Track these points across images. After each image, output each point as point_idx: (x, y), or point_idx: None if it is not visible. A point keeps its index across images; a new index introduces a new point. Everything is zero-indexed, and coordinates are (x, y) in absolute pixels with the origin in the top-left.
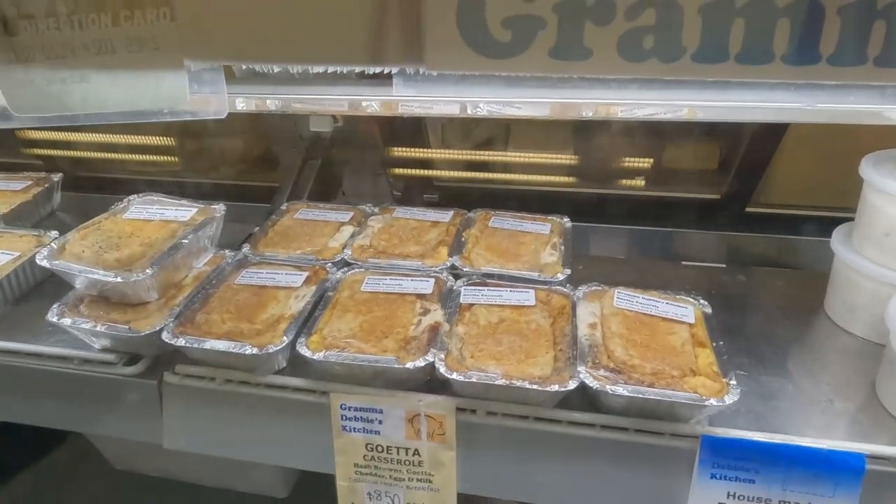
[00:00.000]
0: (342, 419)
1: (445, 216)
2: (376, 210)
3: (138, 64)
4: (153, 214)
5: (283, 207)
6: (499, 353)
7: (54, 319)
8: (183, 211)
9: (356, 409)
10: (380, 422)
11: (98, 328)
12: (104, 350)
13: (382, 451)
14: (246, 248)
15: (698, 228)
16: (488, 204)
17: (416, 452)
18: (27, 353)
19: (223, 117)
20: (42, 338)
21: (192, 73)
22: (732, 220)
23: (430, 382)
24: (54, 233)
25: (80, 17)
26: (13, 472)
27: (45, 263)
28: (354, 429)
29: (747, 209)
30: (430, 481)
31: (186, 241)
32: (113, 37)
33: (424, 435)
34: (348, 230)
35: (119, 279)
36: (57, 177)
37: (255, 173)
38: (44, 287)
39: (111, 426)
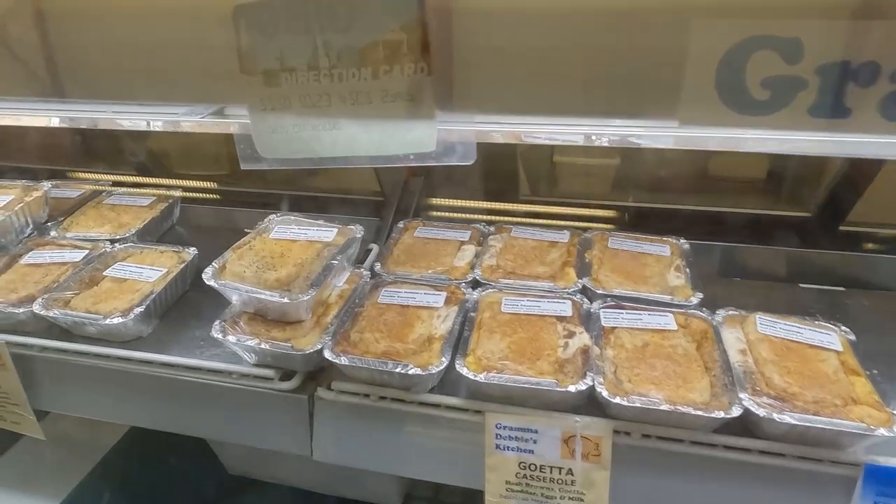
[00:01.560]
0: (496, 437)
1: (563, 236)
2: (492, 229)
3: (391, 113)
4: (297, 234)
5: (401, 225)
6: (655, 378)
7: (218, 336)
8: (325, 231)
9: (511, 429)
10: (534, 441)
11: (262, 346)
12: (259, 365)
13: (535, 469)
14: (378, 267)
15: (806, 247)
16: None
17: (570, 472)
18: (186, 367)
19: (469, 163)
20: (194, 351)
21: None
22: (841, 241)
23: (580, 403)
24: (192, 249)
25: (341, 71)
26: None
27: (212, 283)
28: (508, 447)
29: (854, 229)
30: (582, 500)
31: (336, 262)
32: (370, 88)
33: (579, 455)
34: (470, 249)
35: (285, 300)
36: (177, 193)
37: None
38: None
39: (261, 438)
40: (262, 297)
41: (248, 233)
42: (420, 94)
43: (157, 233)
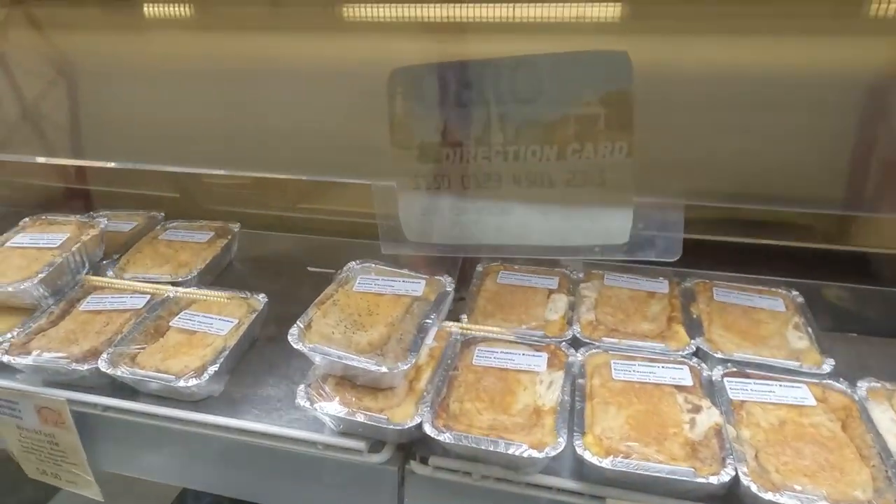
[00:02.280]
0: None
1: (661, 285)
2: (581, 275)
3: (577, 198)
4: (383, 288)
5: (480, 269)
6: (806, 469)
7: (305, 405)
8: (412, 284)
9: None
10: None
11: (356, 418)
12: (346, 435)
13: None
14: (464, 320)
15: None
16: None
17: None
18: (264, 434)
19: (672, 260)
20: (271, 414)
21: (639, 211)
22: None
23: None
24: (262, 297)
25: (518, 148)
26: None
27: (300, 346)
28: None
29: None
30: None
31: (430, 321)
32: (553, 169)
33: None
34: (561, 299)
35: (383, 369)
36: (236, 227)
37: None
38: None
39: None
40: (358, 365)
41: (312, 270)
42: (615, 177)
43: (216, 271)
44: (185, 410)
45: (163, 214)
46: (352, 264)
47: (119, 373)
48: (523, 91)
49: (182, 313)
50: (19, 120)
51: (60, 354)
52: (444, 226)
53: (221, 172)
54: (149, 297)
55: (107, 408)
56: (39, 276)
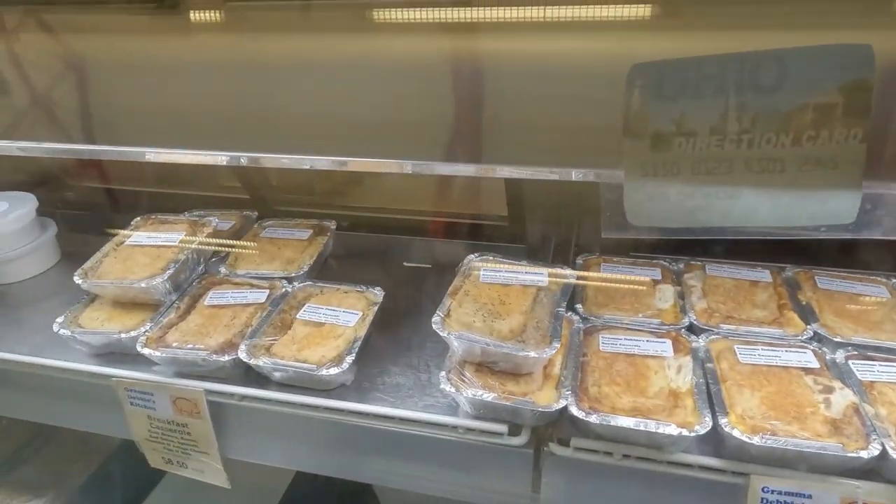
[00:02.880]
0: (762, 502)
1: (763, 275)
2: (681, 266)
3: (807, 182)
4: (509, 279)
5: (581, 262)
6: None
7: (450, 389)
8: (536, 276)
9: (781, 493)
10: None
11: (501, 402)
12: (483, 418)
13: None
14: (581, 309)
15: None
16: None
17: None
18: (403, 419)
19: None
20: (406, 401)
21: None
22: None
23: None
24: (378, 289)
25: (752, 136)
26: None
27: (443, 333)
28: None
29: None
30: None
31: (561, 310)
32: (786, 155)
33: None
34: (668, 289)
35: (534, 354)
36: (332, 225)
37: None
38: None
39: (478, 493)
40: (508, 351)
41: (407, 266)
42: (847, 161)
43: (318, 267)
44: (322, 398)
45: (256, 213)
46: (471, 257)
47: (260, 363)
48: (765, 83)
49: (306, 306)
50: (77, 116)
51: (198, 346)
52: (668, 210)
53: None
54: (267, 291)
55: (243, 397)
56: (167, 272)
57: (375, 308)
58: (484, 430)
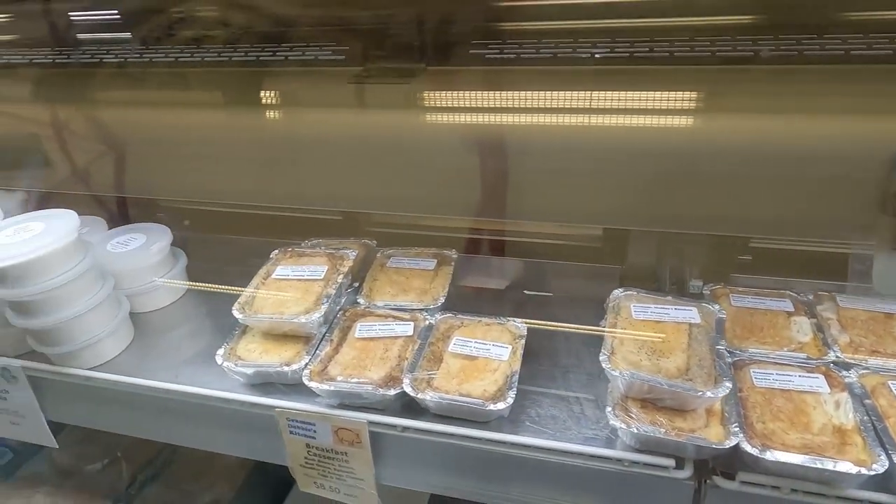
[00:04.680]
0: None
1: (891, 307)
2: (810, 297)
3: None
4: (660, 315)
5: (708, 292)
6: None
7: (620, 425)
8: (685, 311)
9: None
10: None
11: (671, 438)
12: (645, 452)
13: None
14: (723, 343)
15: None
16: None
17: None
18: (563, 452)
19: None
20: (565, 433)
21: None
22: None
23: None
24: (521, 322)
25: None
26: None
27: (615, 372)
28: None
29: None
30: None
31: (721, 347)
32: None
33: None
34: (804, 322)
35: (709, 395)
36: (454, 254)
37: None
38: None
39: None
40: (684, 392)
41: (530, 295)
42: None
43: (450, 298)
44: (481, 430)
45: (375, 242)
46: (617, 293)
47: (427, 397)
48: None
49: (454, 339)
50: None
51: (363, 380)
52: None
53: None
54: (412, 324)
55: (405, 428)
56: (322, 307)
57: (522, 342)
58: (649, 463)
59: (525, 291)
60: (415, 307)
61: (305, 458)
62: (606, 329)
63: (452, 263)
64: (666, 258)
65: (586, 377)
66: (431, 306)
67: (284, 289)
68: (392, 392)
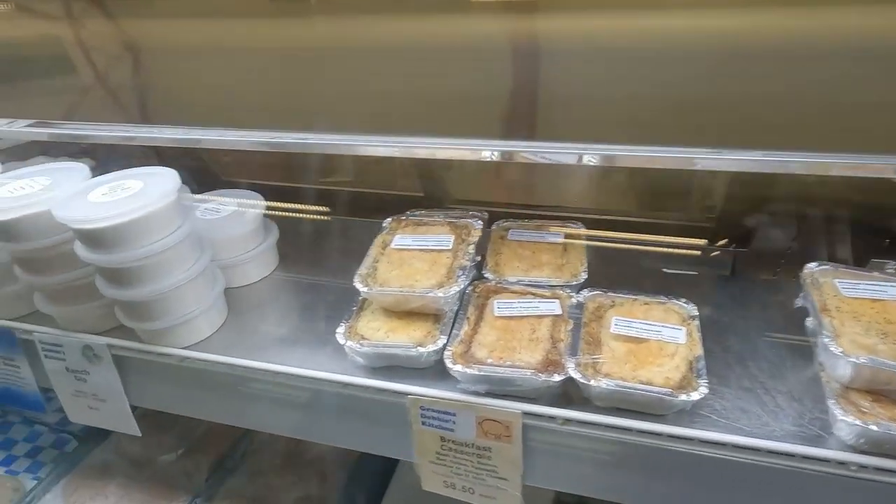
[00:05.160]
0: None
1: None
2: None
3: None
4: (872, 292)
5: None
6: None
7: (853, 421)
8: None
9: None
10: None
11: None
12: (872, 453)
13: None
14: None
15: None
16: None
17: None
18: (770, 452)
19: None
20: (763, 429)
21: None
22: None
23: None
24: (688, 303)
25: None
26: None
27: (851, 359)
28: None
29: None
30: None
31: None
32: None
33: None
34: None
35: None
36: (580, 228)
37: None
38: None
39: None
40: None
41: (667, 272)
42: None
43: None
44: (669, 425)
45: (486, 214)
46: (811, 266)
47: (603, 385)
48: None
49: (613, 320)
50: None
51: (518, 364)
52: None
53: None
54: (557, 301)
55: (567, 420)
56: (460, 280)
57: (695, 323)
58: (886, 468)
59: (664, 269)
60: (553, 283)
61: (437, 453)
62: (818, 309)
63: (582, 237)
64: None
65: (768, 365)
66: (573, 282)
67: (408, 260)
68: (556, 378)
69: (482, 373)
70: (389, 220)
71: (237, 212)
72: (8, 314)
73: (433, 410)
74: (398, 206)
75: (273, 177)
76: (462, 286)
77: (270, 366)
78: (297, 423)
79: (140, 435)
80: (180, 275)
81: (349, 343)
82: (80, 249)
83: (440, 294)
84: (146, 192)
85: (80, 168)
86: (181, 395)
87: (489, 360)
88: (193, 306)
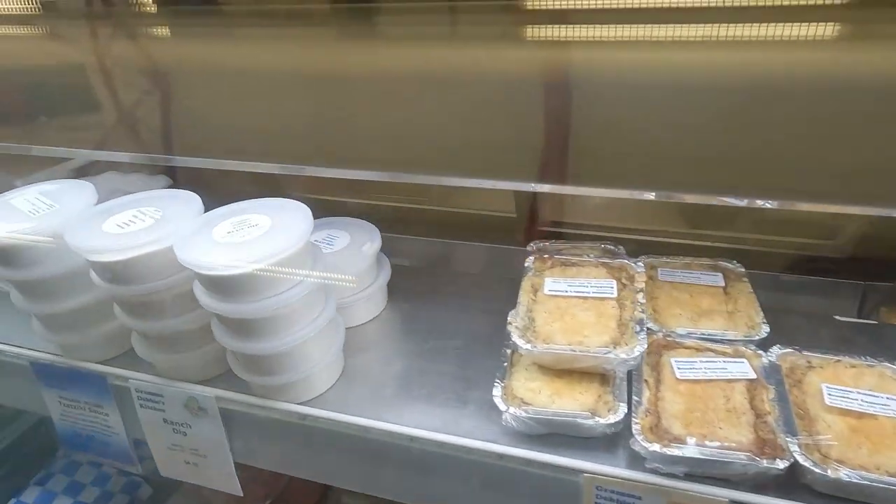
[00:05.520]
0: None
1: None
2: None
3: None
4: None
5: None
6: None
7: None
8: None
9: None
10: None
11: None
12: None
13: None
14: None
15: None
16: None
17: None
18: None
19: None
20: None
21: None
22: None
23: None
24: None
25: None
26: None
27: None
28: None
29: None
30: None
31: None
32: None
33: None
34: None
35: None
36: (737, 266)
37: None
38: None
39: None
40: None
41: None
42: None
43: None
44: None
45: (622, 248)
46: None
47: (843, 475)
48: None
49: (825, 388)
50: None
51: (728, 444)
52: None
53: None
54: (745, 361)
55: None
56: (639, 338)
57: None
58: None
59: (836, 317)
60: (732, 338)
61: None
62: None
63: (745, 279)
64: None
65: None
66: (754, 336)
67: (568, 310)
68: (780, 465)
69: (684, 454)
70: (532, 259)
71: (352, 245)
72: (96, 356)
73: (613, 492)
74: (493, 227)
75: (336, 191)
76: (644, 344)
77: (408, 429)
78: (434, 493)
79: (242, 495)
80: (310, 325)
81: (511, 409)
82: (203, 296)
83: (622, 355)
84: (278, 231)
85: (189, 197)
86: (296, 455)
87: (690, 439)
88: (317, 358)
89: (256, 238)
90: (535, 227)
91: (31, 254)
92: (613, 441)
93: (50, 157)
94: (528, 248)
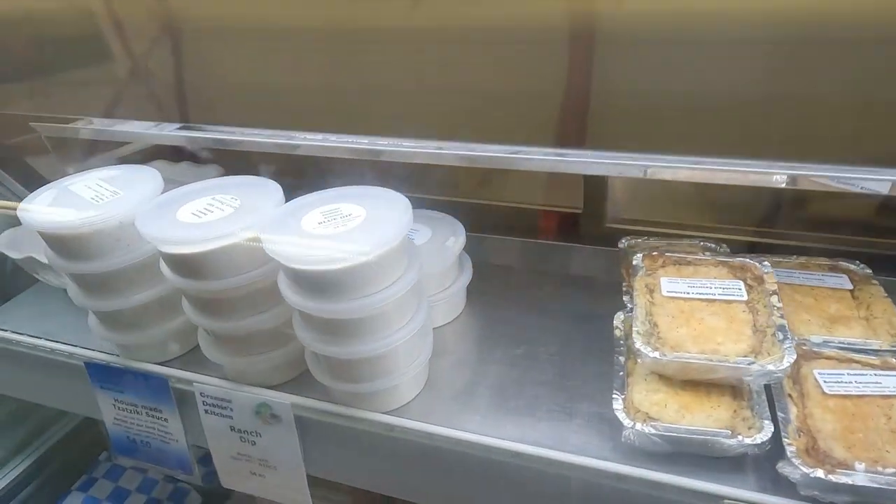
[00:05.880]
0: None
1: None
2: None
3: None
4: None
5: None
6: None
7: None
8: None
9: None
10: None
11: None
12: None
13: None
14: None
15: None
16: None
17: None
18: None
19: None
20: None
21: None
22: None
23: None
24: None
25: None
26: None
27: None
28: None
29: None
30: None
31: None
32: None
33: None
34: None
35: None
36: (862, 267)
37: None
38: None
39: None
40: None
41: None
42: None
43: None
44: None
45: (724, 247)
46: None
47: None
48: None
49: None
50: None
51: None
52: None
53: None
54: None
55: None
56: (784, 347)
57: None
58: None
59: None
60: (878, 348)
61: None
62: None
63: (875, 281)
64: None
65: None
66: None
67: (693, 314)
68: None
69: (855, 482)
70: (639, 255)
71: (434, 239)
72: (156, 357)
73: None
74: (559, 222)
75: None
76: (794, 356)
77: (511, 444)
78: None
79: None
80: (405, 328)
81: (637, 426)
82: (294, 294)
83: (769, 367)
84: (376, 222)
85: (267, 184)
86: (380, 469)
87: (858, 465)
88: (407, 364)
89: (353, 229)
90: (603, 223)
91: (95, 244)
92: (740, 462)
93: (104, 141)
94: (620, 246)
